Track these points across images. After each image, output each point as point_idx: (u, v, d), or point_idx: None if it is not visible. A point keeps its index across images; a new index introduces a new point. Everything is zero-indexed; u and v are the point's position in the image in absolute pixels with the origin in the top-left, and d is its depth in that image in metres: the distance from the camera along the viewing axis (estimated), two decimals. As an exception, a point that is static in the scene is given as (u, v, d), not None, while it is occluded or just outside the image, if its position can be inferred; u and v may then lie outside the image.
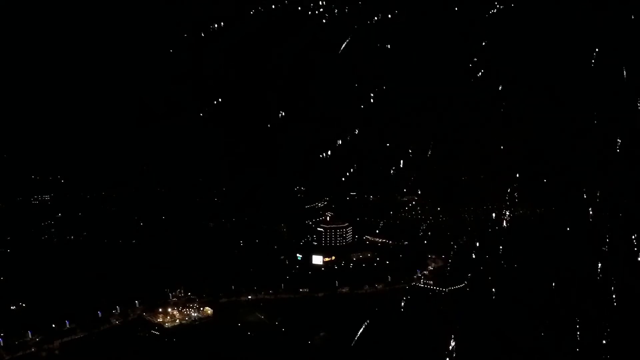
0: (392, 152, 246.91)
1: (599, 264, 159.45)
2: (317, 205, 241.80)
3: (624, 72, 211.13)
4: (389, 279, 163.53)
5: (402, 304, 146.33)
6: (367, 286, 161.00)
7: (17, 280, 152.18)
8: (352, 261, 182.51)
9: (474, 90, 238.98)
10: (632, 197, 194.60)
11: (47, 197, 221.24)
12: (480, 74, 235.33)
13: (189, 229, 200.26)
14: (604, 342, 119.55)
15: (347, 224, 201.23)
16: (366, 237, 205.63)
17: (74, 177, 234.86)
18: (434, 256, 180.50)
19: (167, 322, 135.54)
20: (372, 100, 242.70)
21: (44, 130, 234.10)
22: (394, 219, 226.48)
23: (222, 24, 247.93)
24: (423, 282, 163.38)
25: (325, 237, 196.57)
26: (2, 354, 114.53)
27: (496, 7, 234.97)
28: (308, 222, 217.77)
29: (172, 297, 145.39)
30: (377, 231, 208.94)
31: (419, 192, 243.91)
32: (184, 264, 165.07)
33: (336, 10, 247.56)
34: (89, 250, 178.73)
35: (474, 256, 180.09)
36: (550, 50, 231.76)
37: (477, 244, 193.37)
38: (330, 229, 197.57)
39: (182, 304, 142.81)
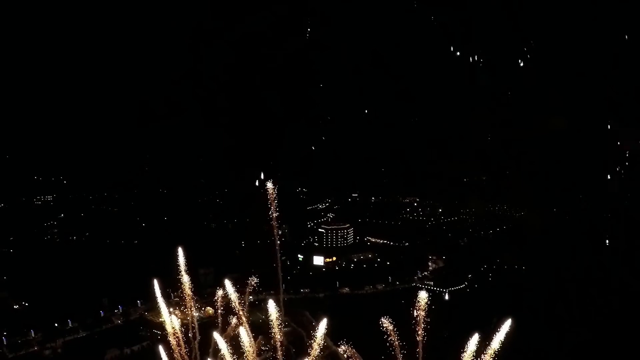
0: (393, 152, 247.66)
1: (599, 264, 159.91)
2: (319, 206, 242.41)
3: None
4: (390, 280, 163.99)
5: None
6: (367, 287, 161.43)
7: (20, 279, 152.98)
8: (353, 262, 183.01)
9: (475, 90, 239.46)
10: (633, 198, 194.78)
11: (49, 198, 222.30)
12: (480, 73, 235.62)
13: (190, 229, 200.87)
14: (604, 342, 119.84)
15: (348, 225, 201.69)
16: (367, 238, 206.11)
17: (76, 178, 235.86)
18: (434, 257, 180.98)
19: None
20: (371, 102, 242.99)
21: (46, 132, 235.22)
22: (395, 220, 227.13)
23: (222, 24, 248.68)
24: (423, 282, 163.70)
25: (327, 238, 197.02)
26: (5, 353, 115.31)
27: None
28: (309, 223, 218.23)
29: (174, 297, 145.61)
30: (378, 232, 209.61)
31: (420, 193, 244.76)
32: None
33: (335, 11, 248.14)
34: (91, 250, 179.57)
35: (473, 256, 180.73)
36: (551, 51, 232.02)
37: (478, 244, 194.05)
38: (331, 230, 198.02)
39: (182, 304, 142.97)
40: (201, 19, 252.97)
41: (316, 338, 47.59)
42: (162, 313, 57.98)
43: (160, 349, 56.24)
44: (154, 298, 61.02)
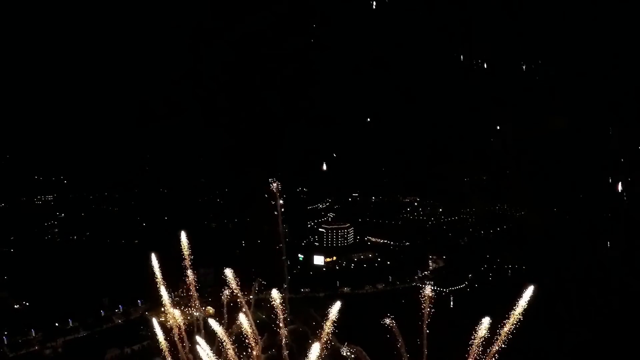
0: (394, 152, 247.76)
1: (599, 264, 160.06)
2: (319, 206, 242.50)
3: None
4: (390, 279, 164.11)
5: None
6: (368, 286, 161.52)
7: (20, 279, 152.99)
8: (353, 261, 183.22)
9: (475, 90, 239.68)
10: (633, 198, 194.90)
11: (49, 198, 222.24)
12: (480, 74, 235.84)
13: (190, 228, 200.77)
14: (604, 342, 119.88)
15: (348, 224, 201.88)
16: (368, 238, 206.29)
17: (76, 178, 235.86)
18: (434, 256, 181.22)
19: (169, 321, 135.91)
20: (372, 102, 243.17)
21: (46, 132, 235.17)
22: (395, 220, 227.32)
23: (222, 24, 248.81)
24: (424, 282, 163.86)
25: (327, 238, 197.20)
26: (6, 352, 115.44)
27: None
28: (309, 223, 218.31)
29: (175, 297, 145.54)
30: (379, 232, 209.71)
31: (420, 193, 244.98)
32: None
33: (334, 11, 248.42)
34: (91, 250, 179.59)
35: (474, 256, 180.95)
36: (551, 52, 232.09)
37: (478, 244, 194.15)
38: (332, 229, 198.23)
39: (184, 303, 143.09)
40: (201, 19, 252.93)
41: (327, 320, 47.87)
42: (159, 283, 57.77)
43: (162, 344, 56.42)
44: (152, 272, 60.82)
